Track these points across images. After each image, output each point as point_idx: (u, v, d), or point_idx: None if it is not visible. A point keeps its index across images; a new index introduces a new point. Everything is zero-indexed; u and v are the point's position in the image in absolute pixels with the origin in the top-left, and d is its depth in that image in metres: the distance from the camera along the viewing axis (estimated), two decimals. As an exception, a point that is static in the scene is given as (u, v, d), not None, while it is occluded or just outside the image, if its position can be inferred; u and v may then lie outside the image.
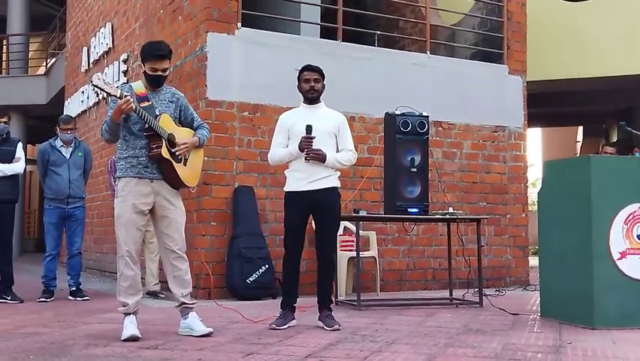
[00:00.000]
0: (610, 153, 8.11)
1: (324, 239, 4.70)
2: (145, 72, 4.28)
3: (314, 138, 4.57)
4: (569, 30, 11.18)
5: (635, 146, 8.34)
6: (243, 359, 3.50)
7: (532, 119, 14.70)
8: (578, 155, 17.87)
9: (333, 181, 4.71)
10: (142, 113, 4.10)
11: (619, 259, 4.76)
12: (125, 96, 4.02)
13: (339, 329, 4.47)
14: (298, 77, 4.81)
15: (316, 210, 4.66)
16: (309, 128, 4.58)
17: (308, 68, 4.80)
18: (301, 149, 4.57)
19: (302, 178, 4.63)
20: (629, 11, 11.07)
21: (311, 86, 4.71)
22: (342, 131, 4.77)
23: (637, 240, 4.81)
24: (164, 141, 4.20)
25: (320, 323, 4.60)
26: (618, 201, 4.81)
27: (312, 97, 4.72)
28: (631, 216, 4.81)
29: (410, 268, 7.48)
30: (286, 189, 4.77)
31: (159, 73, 4.28)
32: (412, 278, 7.48)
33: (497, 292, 6.93)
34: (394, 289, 7.28)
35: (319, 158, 4.58)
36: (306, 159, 4.57)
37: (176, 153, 4.25)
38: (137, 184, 4.21)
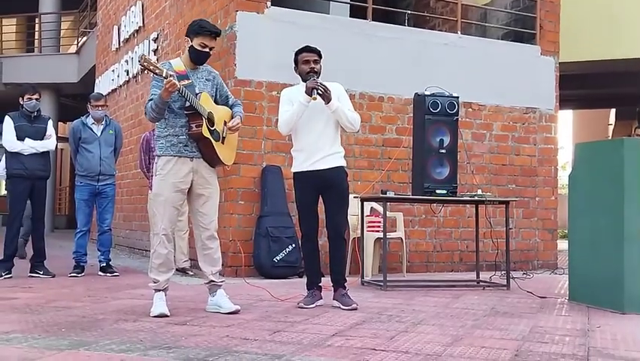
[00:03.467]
0: (643, 135, 7.96)
1: (334, 216, 4.67)
2: (192, 47, 4.29)
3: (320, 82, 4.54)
4: (603, 10, 10.96)
5: (670, 129, 8.19)
6: (269, 337, 3.53)
7: (564, 101, 14.51)
8: (609, 138, 17.58)
9: (338, 160, 4.69)
10: (184, 92, 4.12)
11: (651, 243, 4.68)
12: (170, 76, 4.04)
13: (356, 308, 4.47)
14: (296, 59, 4.77)
15: (324, 190, 4.66)
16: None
17: (307, 49, 4.75)
18: (309, 90, 4.53)
19: (306, 158, 4.63)
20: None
21: (311, 67, 4.66)
22: (342, 99, 4.72)
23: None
24: (204, 119, 4.23)
25: (336, 303, 4.60)
26: (652, 184, 4.73)
27: (310, 79, 4.63)
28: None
29: (437, 250, 7.46)
30: (293, 169, 4.77)
31: (207, 50, 4.30)
32: (438, 260, 7.46)
33: (525, 275, 6.88)
34: (421, 270, 7.27)
35: (328, 95, 4.53)
36: (315, 93, 4.48)
37: (229, 130, 4.33)
38: (177, 163, 4.24)
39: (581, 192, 5.20)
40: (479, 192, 6.19)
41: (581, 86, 13.22)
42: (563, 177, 14.00)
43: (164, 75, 4.03)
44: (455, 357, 3.14)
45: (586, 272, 5.05)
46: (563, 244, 8.32)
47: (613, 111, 19.64)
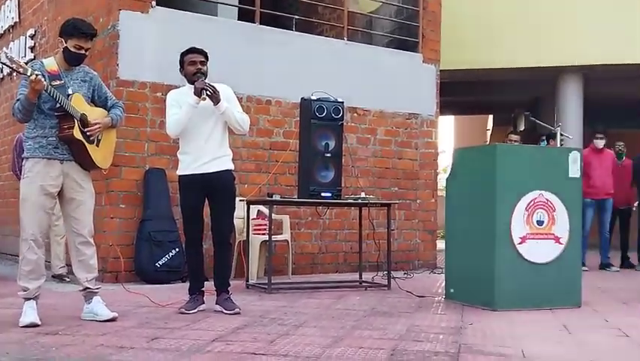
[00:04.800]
0: (514, 142, 8.40)
1: (220, 220, 4.64)
2: (66, 48, 4.12)
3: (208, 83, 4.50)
4: (483, 22, 11.53)
5: (541, 135, 8.69)
6: (147, 344, 3.45)
7: (445, 107, 15.13)
8: (488, 143, 18.44)
9: (226, 163, 4.66)
10: (53, 93, 3.95)
11: (519, 243, 4.96)
12: (36, 75, 3.85)
13: (239, 312, 4.46)
14: (181, 60, 4.70)
15: (210, 194, 4.62)
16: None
17: (193, 50, 4.69)
18: (197, 91, 4.47)
19: (193, 161, 4.58)
20: (539, 5, 11.51)
21: (198, 68, 4.61)
22: (231, 101, 4.70)
23: (536, 225, 5.03)
24: (76, 121, 4.06)
25: (218, 307, 4.57)
26: (521, 188, 5.01)
27: (198, 79, 4.57)
28: (532, 203, 5.02)
29: (322, 252, 7.56)
30: (179, 172, 4.70)
31: (83, 52, 4.16)
32: (323, 261, 7.56)
33: (406, 275, 7.12)
34: (306, 272, 7.34)
35: (217, 96, 4.48)
36: (204, 94, 4.43)
37: (88, 134, 4.12)
38: (45, 165, 4.06)
39: (457, 195, 5.45)
40: (363, 194, 6.33)
41: (461, 92, 13.81)
42: (444, 180, 14.57)
43: (28, 74, 3.85)
44: (333, 359, 3.19)
45: (461, 271, 5.29)
46: (442, 244, 8.64)
47: (491, 117, 20.65)
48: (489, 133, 21.10)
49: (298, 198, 6.01)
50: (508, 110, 16.16)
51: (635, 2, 11.15)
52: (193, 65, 4.64)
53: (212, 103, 4.52)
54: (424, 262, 8.19)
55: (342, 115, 6.05)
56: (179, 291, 5.33)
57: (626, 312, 4.94)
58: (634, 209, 8.93)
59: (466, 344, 3.58)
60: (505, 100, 15.71)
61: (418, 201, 8.27)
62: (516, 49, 11.53)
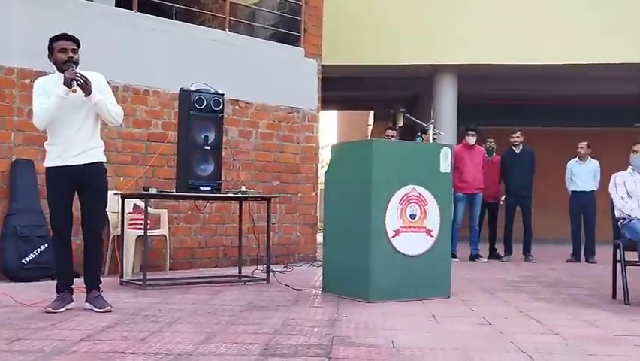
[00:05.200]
0: (391, 137, 8.65)
1: (90, 214, 4.45)
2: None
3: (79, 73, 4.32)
4: (365, 18, 11.78)
5: (417, 132, 8.98)
6: (6, 346, 3.25)
7: (328, 102, 15.32)
8: (369, 138, 18.87)
9: (97, 155, 4.48)
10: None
11: (393, 236, 5.11)
12: None
13: (110, 310, 4.31)
14: (51, 47, 4.44)
15: (80, 187, 4.43)
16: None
17: (64, 36, 4.44)
18: (67, 81, 4.25)
19: (62, 152, 4.37)
20: (419, 3, 11.91)
21: (69, 56, 4.37)
22: (104, 91, 4.51)
23: (409, 219, 5.19)
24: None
25: (88, 305, 4.38)
26: (395, 182, 5.15)
27: (69, 68, 4.37)
28: (405, 197, 5.18)
29: (202, 246, 7.45)
30: (46, 164, 4.47)
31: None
32: (203, 256, 7.45)
33: (286, 269, 7.15)
34: (185, 267, 7.21)
35: (88, 86, 4.28)
36: (75, 84, 4.23)
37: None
38: None
39: (334, 189, 5.53)
40: (243, 188, 6.29)
41: (343, 88, 14.05)
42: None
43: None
44: (206, 355, 3.14)
45: (337, 264, 5.38)
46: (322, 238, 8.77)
47: (372, 113, 21.17)
48: (370, 128, 21.63)
49: (176, 191, 5.88)
50: (388, 106, 16.71)
51: (504, 7, 11.77)
52: (63, 52, 4.40)
53: (83, 93, 4.32)
54: (304, 255, 8.26)
55: (223, 107, 5.98)
56: (48, 289, 5.06)
57: (491, 302, 5.20)
58: (501, 203, 9.43)
59: (339, 337, 3.64)
60: (385, 96, 16.17)
61: (299, 195, 8.32)
62: (396, 46, 11.88)
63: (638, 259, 5.05)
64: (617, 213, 5.39)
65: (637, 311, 4.73)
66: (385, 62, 12.06)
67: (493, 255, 9.35)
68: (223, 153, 6.06)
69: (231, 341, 3.47)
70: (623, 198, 5.33)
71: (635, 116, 14.89)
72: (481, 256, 8.99)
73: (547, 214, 11.74)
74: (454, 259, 8.51)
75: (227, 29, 7.97)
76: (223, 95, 6.00)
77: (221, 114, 5.97)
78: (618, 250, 5.28)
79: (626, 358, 3.26)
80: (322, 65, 8.82)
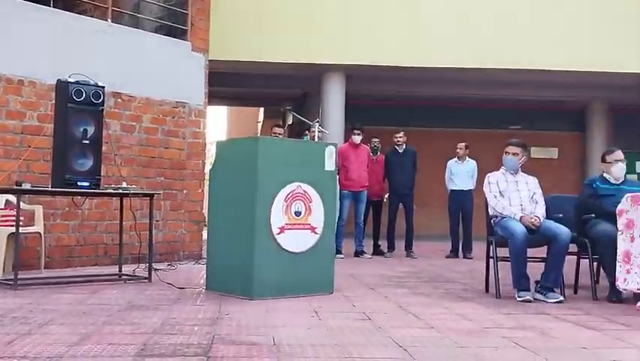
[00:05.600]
0: (278, 134, 8.67)
1: None
2: None
3: None
4: (255, 14, 11.74)
5: (305, 129, 9.06)
6: None
7: (217, 98, 15.17)
8: (258, 135, 18.85)
9: None
10: None
11: (278, 233, 5.12)
12: None
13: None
14: None
15: None
16: None
17: None
18: None
19: None
20: (310, 2, 12.01)
21: None
22: None
23: (294, 216, 5.22)
24: None
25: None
26: (280, 179, 5.16)
27: None
28: (291, 194, 5.20)
29: (80, 244, 7.15)
30: None
31: None
32: (82, 254, 7.15)
33: (170, 267, 7.01)
34: (62, 266, 6.89)
35: None
36: None
37: None
38: None
39: (219, 186, 5.47)
40: (124, 184, 6.10)
41: (231, 84, 13.93)
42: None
43: None
44: (78, 357, 3.02)
45: (221, 262, 5.33)
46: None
47: (262, 110, 21.15)
48: (260, 125, 21.59)
49: (52, 187, 5.61)
50: (278, 104, 16.71)
51: (393, 8, 12.09)
52: None
53: None
54: (189, 253, 8.12)
55: (103, 100, 5.77)
56: None
57: (372, 297, 5.33)
58: (385, 201, 9.69)
59: (220, 335, 3.60)
60: (275, 93, 16.17)
61: (184, 191, 8.17)
62: (285, 44, 11.92)
63: (508, 255, 5.32)
64: (490, 212, 5.66)
65: (506, 304, 4.99)
66: (274, 60, 12.06)
67: (377, 251, 9.59)
68: (104, 148, 5.84)
69: (107, 341, 3.35)
70: (495, 197, 5.59)
71: (511, 118, 15.74)
72: (366, 253, 9.19)
73: (427, 212, 12.17)
74: (339, 256, 8.69)
75: (109, 20, 7.69)
76: (104, 87, 5.79)
77: (101, 107, 5.75)
78: (491, 247, 5.55)
79: (493, 349, 3.43)
80: (210, 60, 8.71)
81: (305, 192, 5.29)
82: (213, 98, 11.11)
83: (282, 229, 5.14)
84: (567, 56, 12.12)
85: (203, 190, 8.47)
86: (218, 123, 25.48)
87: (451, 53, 12.08)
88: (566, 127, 16.39)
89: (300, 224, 5.25)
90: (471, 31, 12.15)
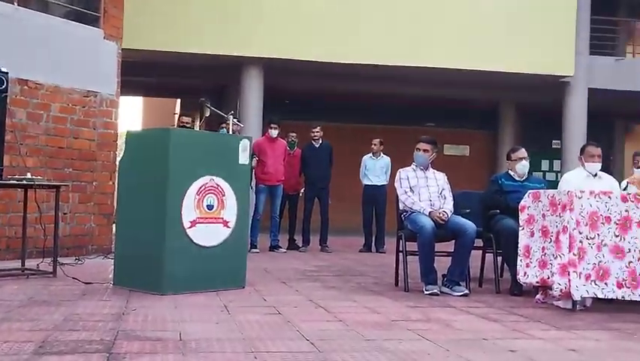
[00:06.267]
0: (186, 124, 8.54)
1: None
2: None
3: None
4: (172, 3, 11.51)
5: (223, 122, 8.96)
6: None
7: (131, 88, 14.82)
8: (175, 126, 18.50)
9: None
10: None
11: (189, 227, 5.04)
12: None
13: None
14: None
15: None
16: None
17: None
18: None
19: None
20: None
21: None
22: None
23: (206, 210, 5.16)
24: None
25: None
26: (192, 173, 5.09)
27: None
28: (203, 188, 5.14)
29: (-20, 238, 6.84)
30: None
31: None
32: (-18, 248, 6.84)
33: (77, 261, 6.80)
34: (-40, 260, 6.57)
35: None
36: None
37: None
38: None
39: (129, 178, 5.34)
40: (29, 175, 5.87)
41: (146, 74, 13.63)
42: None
43: None
44: (-30, 356, 2.89)
45: (131, 256, 5.21)
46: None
47: (179, 101, 20.80)
48: (177, 117, 21.19)
49: (-51, 177, 5.33)
50: (195, 95, 16.46)
51: (312, 3, 12.13)
52: None
53: None
54: (98, 247, 7.89)
55: (7, 87, 5.54)
56: None
57: (283, 291, 5.34)
58: (300, 195, 9.72)
59: (125, 331, 3.53)
60: (192, 85, 15.93)
61: (94, 183, 7.94)
62: (203, 35, 11.75)
63: (417, 249, 5.45)
64: (400, 206, 5.78)
65: (414, 297, 5.12)
66: (190, 50, 11.87)
67: (292, 245, 9.61)
68: (7, 137, 5.61)
69: (2, 339, 3.22)
70: (406, 193, 5.72)
71: (425, 116, 16.11)
72: (281, 247, 9.20)
73: (342, 207, 12.30)
74: (254, 250, 8.67)
75: (15, 3, 7.35)
76: (7, 73, 5.54)
77: (4, 94, 5.51)
78: (400, 241, 5.67)
79: (398, 341, 3.51)
80: (124, 49, 8.48)
81: (218, 185, 5.23)
82: (127, 88, 10.85)
83: (193, 223, 5.07)
84: (479, 56, 12.51)
85: (114, 182, 8.25)
86: (133, 114, 24.90)
87: (367, 50, 12.23)
88: (478, 125, 16.92)
89: (212, 218, 5.20)
90: (386, 29, 12.35)
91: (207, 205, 5.17)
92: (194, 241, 5.07)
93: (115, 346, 3.17)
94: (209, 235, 5.17)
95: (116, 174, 8.30)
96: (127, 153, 5.37)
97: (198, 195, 5.11)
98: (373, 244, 9.73)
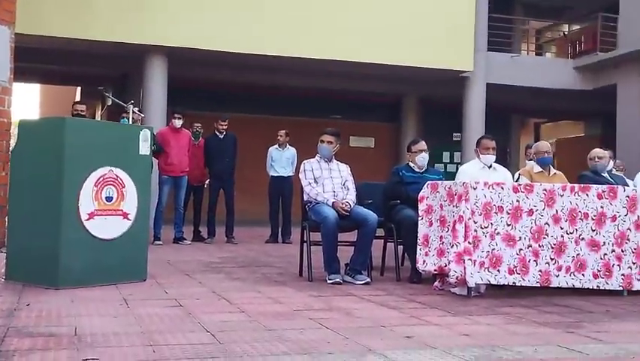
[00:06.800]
0: (81, 112, 8.27)
1: None
2: None
3: None
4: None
5: (124, 112, 8.72)
6: None
7: (27, 74, 14.18)
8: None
9: None
10: None
11: (87, 219, 4.89)
12: None
13: None
14: None
15: None
16: None
17: None
18: None
19: None
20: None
21: None
22: None
23: (105, 202, 5.02)
24: None
25: None
26: (90, 163, 4.93)
27: None
28: (101, 179, 4.99)
29: None
30: None
31: None
32: None
33: (-33, 256, 6.44)
34: None
35: None
36: None
37: None
38: None
39: (23, 169, 5.12)
40: None
41: (43, 60, 13.07)
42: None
43: None
44: None
45: (25, 249, 5.00)
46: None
47: (79, 89, 20.08)
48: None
49: None
50: (97, 84, 15.95)
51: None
52: None
53: None
54: (-10, 240, 7.51)
55: None
56: None
57: (186, 283, 5.28)
58: (205, 187, 9.61)
59: (16, 327, 3.39)
60: (93, 73, 15.42)
61: (-15, 174, 7.54)
62: (101, 21, 11.38)
63: (321, 240, 5.51)
64: (304, 197, 5.83)
65: (317, 287, 5.18)
66: (92, 37, 11.48)
67: (197, 237, 9.50)
68: None
69: None
70: (310, 184, 5.77)
71: (332, 108, 16.27)
72: (185, 239, 9.07)
73: (248, 198, 12.27)
74: (157, 242, 8.51)
75: None
76: None
77: None
78: (305, 231, 5.72)
79: (300, 331, 3.54)
80: (18, 34, 8.07)
81: (117, 176, 5.09)
82: (23, 75, 10.39)
83: (91, 215, 4.92)
84: (384, 50, 12.76)
85: (7, 173, 7.86)
86: (29, 102, 23.82)
87: (274, 41, 12.23)
88: (382, 118, 17.28)
89: (111, 210, 5.06)
90: (292, 21, 12.39)
91: (106, 197, 5.03)
92: (92, 233, 4.92)
93: (3, 343, 3.03)
94: (108, 228, 5.03)
95: (9, 165, 7.94)
96: (20, 142, 5.14)
97: (96, 186, 4.96)
98: (280, 234, 9.76)
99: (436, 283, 5.22)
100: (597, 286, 5.04)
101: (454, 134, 15.97)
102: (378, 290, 5.12)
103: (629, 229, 5.08)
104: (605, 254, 5.04)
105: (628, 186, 6.15)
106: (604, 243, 5.04)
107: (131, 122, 6.04)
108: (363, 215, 5.53)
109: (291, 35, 12.30)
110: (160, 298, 4.52)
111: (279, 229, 9.79)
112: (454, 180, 5.53)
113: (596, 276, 5.03)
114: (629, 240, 5.08)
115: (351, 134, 16.27)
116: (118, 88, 15.26)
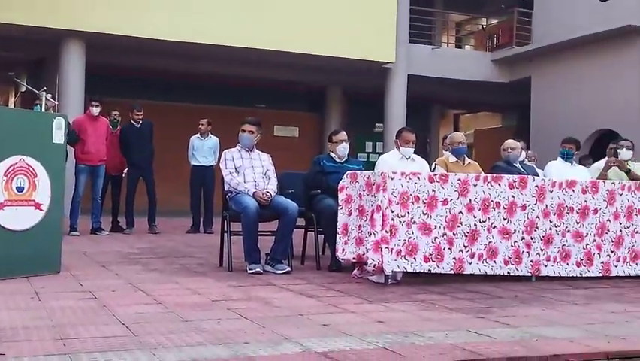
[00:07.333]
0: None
1: None
2: None
3: None
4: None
5: (37, 99, 8.41)
6: None
7: None
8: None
9: None
10: None
11: (-4, 211, 4.72)
12: None
13: None
14: None
15: None
16: None
17: None
18: None
19: None
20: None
21: None
22: None
23: (16, 192, 4.85)
24: None
25: None
26: (-1, 152, 4.76)
27: None
28: (11, 168, 4.81)
29: None
30: None
31: None
32: None
33: None
34: None
35: None
36: None
37: None
38: None
39: None
40: None
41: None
42: None
43: None
44: None
45: None
46: None
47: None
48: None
49: None
50: (9, 69, 15.29)
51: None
52: None
53: None
54: None
55: None
56: None
57: (102, 275, 5.16)
58: (124, 176, 9.39)
59: None
60: (6, 58, 14.76)
61: None
62: (13, 3, 10.93)
63: (241, 230, 5.50)
64: (225, 187, 5.79)
65: (237, 277, 5.17)
66: (4, 20, 10.99)
67: (116, 227, 9.29)
68: None
69: None
70: (231, 173, 5.74)
71: (256, 97, 16.19)
72: (104, 229, 8.85)
73: (169, 187, 12.07)
74: (74, 233, 8.28)
75: None
76: None
77: None
78: (225, 221, 5.69)
79: (217, 321, 3.53)
80: None
81: (29, 166, 4.93)
82: None
83: (0, 206, 4.74)
84: (308, 40, 12.78)
85: None
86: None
87: (196, 28, 12.05)
88: (306, 108, 17.33)
89: (22, 200, 4.89)
90: (218, 9, 12.24)
91: (17, 187, 4.86)
92: (2, 224, 4.76)
93: None
94: (19, 218, 4.87)
95: None
96: None
97: (6, 176, 4.79)
98: (201, 224, 9.66)
99: (354, 272, 5.30)
100: (508, 273, 5.24)
101: (377, 124, 16.18)
102: (298, 279, 5.16)
103: (537, 217, 5.31)
104: (516, 241, 5.26)
105: (538, 175, 6.41)
106: (514, 231, 5.25)
107: (44, 110, 5.82)
108: (283, 205, 5.55)
109: (213, 23, 12.15)
110: (74, 290, 4.41)
111: (201, 219, 9.69)
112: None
113: (506, 263, 5.24)
114: (537, 227, 5.31)
115: (276, 124, 16.25)
116: (33, 73, 14.70)
